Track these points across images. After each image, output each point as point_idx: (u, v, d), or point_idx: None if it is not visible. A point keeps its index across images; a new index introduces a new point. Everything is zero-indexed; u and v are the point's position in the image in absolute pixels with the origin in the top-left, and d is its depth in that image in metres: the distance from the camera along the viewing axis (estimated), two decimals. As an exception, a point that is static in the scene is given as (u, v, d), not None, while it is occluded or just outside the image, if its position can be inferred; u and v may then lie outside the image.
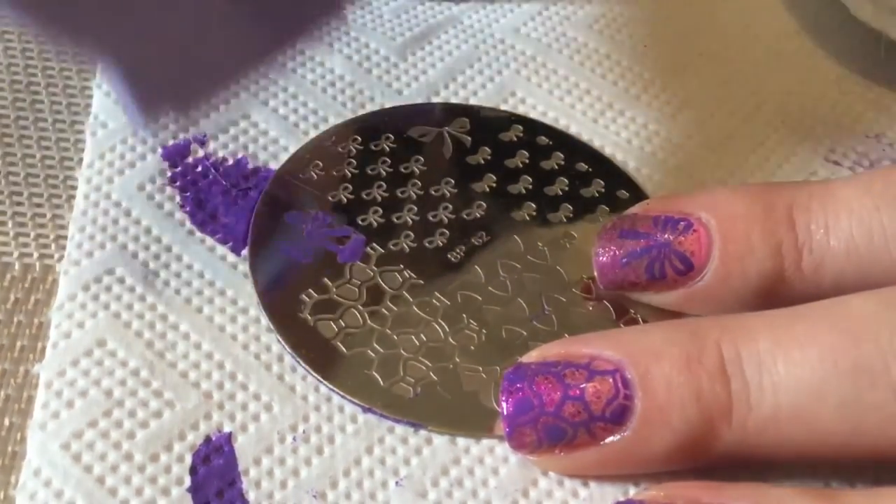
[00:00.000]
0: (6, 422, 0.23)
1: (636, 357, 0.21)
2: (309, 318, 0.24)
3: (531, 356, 0.22)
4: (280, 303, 0.25)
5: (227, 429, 0.23)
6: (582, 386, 0.21)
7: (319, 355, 0.24)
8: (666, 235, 0.24)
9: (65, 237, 0.26)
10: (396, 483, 0.22)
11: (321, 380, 0.23)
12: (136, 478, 0.22)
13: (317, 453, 0.22)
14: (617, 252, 0.24)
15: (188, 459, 0.22)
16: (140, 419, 0.22)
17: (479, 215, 0.27)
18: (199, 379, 0.23)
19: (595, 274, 0.25)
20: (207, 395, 0.23)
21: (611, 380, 0.21)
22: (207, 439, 0.22)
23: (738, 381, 0.21)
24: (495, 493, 0.22)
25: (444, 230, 0.27)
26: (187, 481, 0.22)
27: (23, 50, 0.30)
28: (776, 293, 0.23)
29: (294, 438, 0.23)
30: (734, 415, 0.20)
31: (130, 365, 0.23)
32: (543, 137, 0.29)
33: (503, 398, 0.22)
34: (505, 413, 0.22)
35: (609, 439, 0.21)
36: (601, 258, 0.24)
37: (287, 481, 0.22)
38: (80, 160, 0.28)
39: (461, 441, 0.23)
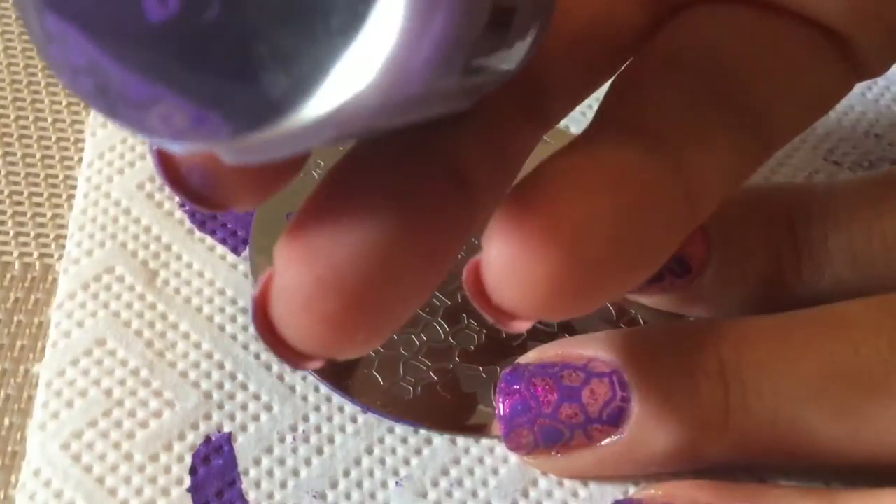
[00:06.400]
0: (6, 421, 0.23)
1: (634, 359, 0.21)
2: None
3: (529, 357, 0.22)
4: None
5: (226, 429, 0.23)
6: (579, 388, 0.21)
7: None
8: None
9: (65, 236, 0.26)
10: (396, 483, 0.22)
11: (321, 380, 0.23)
12: (136, 478, 0.22)
13: (316, 453, 0.22)
14: None
15: (188, 459, 0.22)
16: (140, 419, 0.22)
17: None
18: (198, 379, 0.23)
19: None
20: (207, 395, 0.23)
21: (608, 382, 0.21)
22: (207, 439, 0.22)
23: (737, 386, 0.20)
24: (495, 493, 0.22)
25: None
26: (187, 481, 0.22)
27: (23, 49, 0.30)
28: (775, 296, 0.23)
29: (294, 438, 0.23)
30: (731, 420, 0.20)
31: (130, 364, 0.23)
32: (546, 138, 0.29)
33: (500, 399, 0.22)
34: (502, 414, 0.22)
35: (606, 441, 0.21)
36: None
37: (287, 481, 0.22)
38: (80, 159, 0.28)
39: (461, 441, 0.23)
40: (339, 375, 0.23)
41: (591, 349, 0.22)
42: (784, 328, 0.21)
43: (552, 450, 0.21)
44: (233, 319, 0.24)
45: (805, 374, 0.20)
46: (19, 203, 0.27)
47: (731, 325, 0.22)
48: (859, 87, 0.32)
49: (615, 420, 0.21)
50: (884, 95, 0.32)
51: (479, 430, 0.23)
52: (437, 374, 0.24)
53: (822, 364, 0.20)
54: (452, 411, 0.23)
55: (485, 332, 0.25)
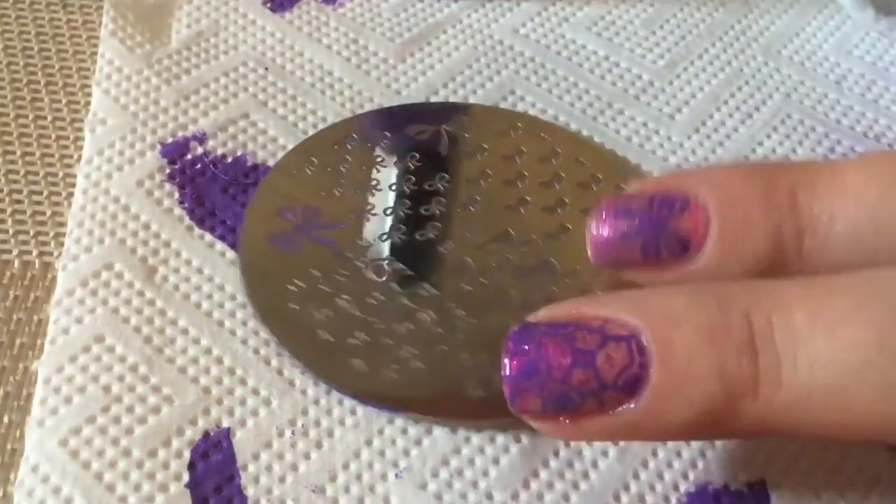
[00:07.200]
0: (5, 419, 0.23)
1: (655, 323, 0.19)
2: (296, 307, 0.24)
3: (539, 315, 0.20)
4: (267, 292, 0.25)
5: (225, 424, 0.22)
6: (594, 351, 0.19)
7: (305, 343, 0.24)
8: (662, 215, 0.23)
9: (64, 234, 0.26)
10: (396, 475, 0.22)
11: (307, 368, 0.23)
12: (135, 474, 0.21)
13: (315, 447, 0.22)
14: (611, 231, 0.23)
15: (186, 455, 0.22)
16: (138, 415, 0.22)
17: (472, 209, 0.27)
18: (197, 374, 0.23)
19: (588, 252, 0.23)
20: (206, 391, 0.23)
21: (626, 346, 0.19)
22: (206, 435, 0.22)
23: (769, 356, 0.19)
24: (496, 483, 0.22)
25: (437, 223, 0.27)
26: (186, 477, 0.22)
27: (23, 49, 0.30)
28: (774, 277, 0.22)
29: (293, 433, 0.22)
30: (761, 392, 0.19)
31: (129, 360, 0.23)
32: (543, 134, 0.29)
33: (507, 358, 0.20)
34: (508, 374, 0.20)
35: (619, 409, 0.19)
36: (595, 236, 0.23)
37: (286, 476, 0.22)
38: (80, 157, 0.28)
39: (461, 431, 0.23)
40: (325, 363, 0.23)
41: (609, 309, 0.20)
42: (823, 293, 0.19)
43: (560, 416, 0.20)
44: (232, 315, 0.24)
45: (847, 343, 0.18)
46: (19, 201, 0.27)
47: (764, 287, 0.20)
48: (859, 88, 0.32)
49: (631, 388, 0.19)
50: (883, 96, 0.32)
51: (464, 418, 0.23)
52: (423, 362, 0.23)
53: (867, 333, 0.18)
54: (439, 399, 0.23)
55: (473, 321, 0.24)
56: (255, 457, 0.22)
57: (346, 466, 0.22)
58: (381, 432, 0.23)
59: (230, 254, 0.26)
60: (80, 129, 0.28)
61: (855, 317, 0.19)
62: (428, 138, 0.29)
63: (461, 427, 0.23)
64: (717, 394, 0.19)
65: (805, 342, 0.19)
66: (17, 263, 0.25)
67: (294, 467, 0.22)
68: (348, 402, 0.23)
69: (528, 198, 0.27)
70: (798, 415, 0.19)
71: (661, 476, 0.23)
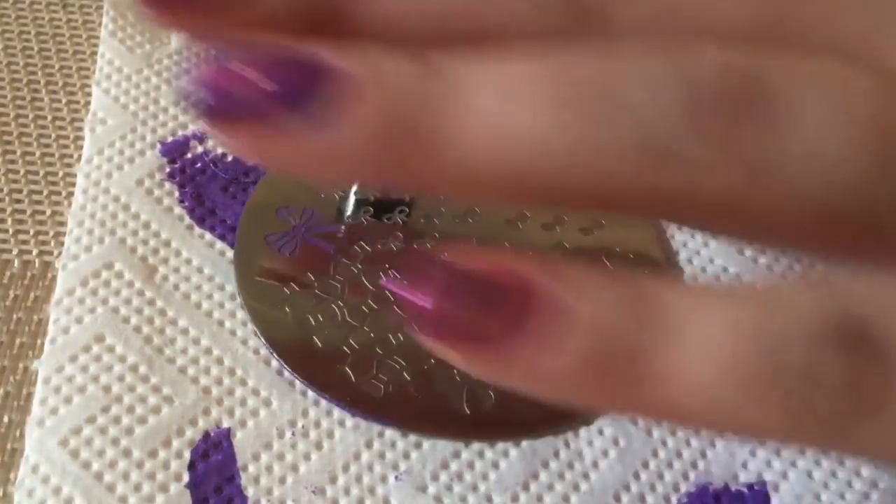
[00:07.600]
0: (5, 419, 0.23)
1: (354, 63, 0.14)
2: (288, 310, 0.24)
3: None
4: (260, 293, 0.25)
5: (225, 424, 0.22)
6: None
7: (294, 348, 0.24)
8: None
9: (64, 233, 0.26)
10: (396, 478, 0.22)
11: (293, 372, 0.23)
12: (135, 474, 0.21)
13: (316, 448, 0.22)
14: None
15: (187, 455, 0.22)
16: (138, 415, 0.22)
17: (471, 221, 0.27)
18: (197, 374, 0.23)
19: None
20: (206, 391, 0.23)
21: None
22: (206, 435, 0.22)
23: (442, 86, 0.14)
24: (495, 486, 0.22)
25: (435, 233, 0.26)
26: (186, 477, 0.22)
27: (23, 48, 0.30)
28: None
29: (293, 433, 0.23)
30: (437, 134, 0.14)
31: (129, 360, 0.23)
32: None
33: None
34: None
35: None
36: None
37: (286, 477, 0.22)
38: (80, 157, 0.27)
39: (460, 434, 0.23)
40: (312, 368, 0.23)
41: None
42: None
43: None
44: (232, 315, 0.24)
45: (509, 77, 0.14)
46: (19, 201, 0.27)
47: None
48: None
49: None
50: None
51: (447, 433, 0.23)
52: (410, 375, 0.23)
53: (524, 67, 0.14)
54: (422, 412, 0.23)
55: None
56: (256, 457, 0.22)
57: (346, 468, 0.22)
58: (381, 435, 0.23)
59: (230, 253, 0.26)
60: (80, 129, 0.28)
61: (523, 56, 0.14)
62: None
63: (428, 438, 0.23)
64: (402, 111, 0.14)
65: (476, 73, 0.14)
66: (17, 263, 0.25)
67: (294, 468, 0.22)
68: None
69: (527, 213, 0.27)
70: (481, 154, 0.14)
71: (661, 476, 0.23)
